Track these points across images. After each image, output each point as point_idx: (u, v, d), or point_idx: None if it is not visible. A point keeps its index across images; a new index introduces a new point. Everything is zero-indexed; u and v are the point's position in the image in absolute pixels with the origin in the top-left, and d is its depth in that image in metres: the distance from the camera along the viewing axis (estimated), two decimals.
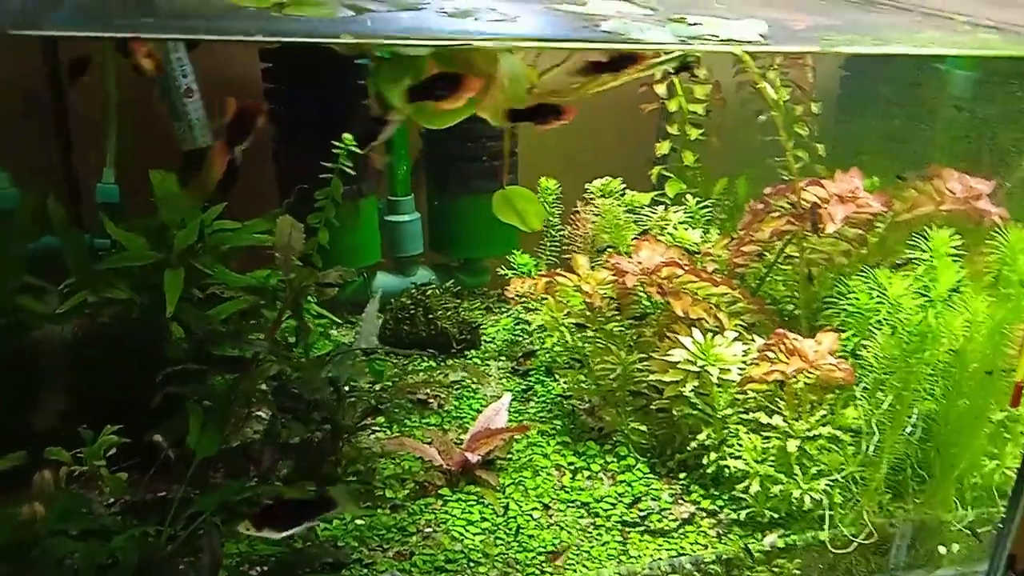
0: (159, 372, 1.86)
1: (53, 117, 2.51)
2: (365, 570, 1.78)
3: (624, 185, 2.60)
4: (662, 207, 2.56)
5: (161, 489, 1.87)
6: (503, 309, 2.88)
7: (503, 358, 2.61)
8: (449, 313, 2.63)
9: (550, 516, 1.97)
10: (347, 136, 2.31)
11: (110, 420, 1.85)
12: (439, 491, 2.01)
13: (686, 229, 2.40)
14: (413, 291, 2.66)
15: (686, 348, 1.95)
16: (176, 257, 2.05)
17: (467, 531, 1.90)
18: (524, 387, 2.46)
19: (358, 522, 1.91)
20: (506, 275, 2.67)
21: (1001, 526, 1.53)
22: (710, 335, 1.97)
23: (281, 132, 2.61)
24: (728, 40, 1.36)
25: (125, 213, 2.29)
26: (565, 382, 2.39)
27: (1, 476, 1.73)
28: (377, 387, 2.25)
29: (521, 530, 1.91)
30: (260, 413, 2.14)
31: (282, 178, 2.66)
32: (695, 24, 1.42)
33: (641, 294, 2.15)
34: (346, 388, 2.03)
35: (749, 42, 1.36)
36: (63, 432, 1.88)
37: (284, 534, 1.51)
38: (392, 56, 1.35)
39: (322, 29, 1.34)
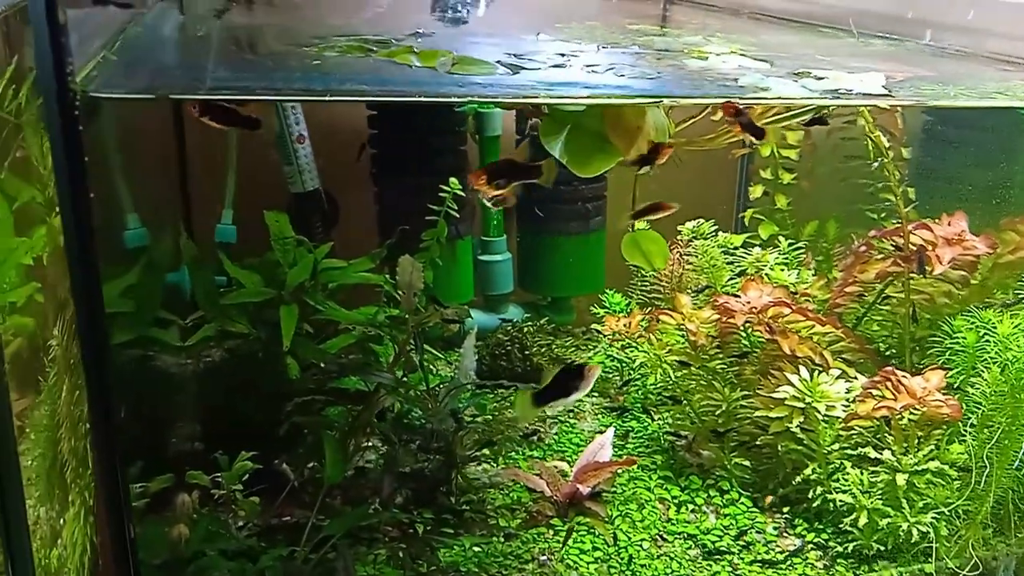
0: (277, 403, 1.96)
1: (177, 165, 2.64)
2: None
3: (716, 227, 2.67)
4: (756, 248, 2.63)
5: (284, 513, 1.97)
6: (592, 346, 2.95)
7: (595, 394, 2.68)
8: (543, 349, 2.71)
9: (659, 547, 2.03)
10: (453, 180, 2.41)
11: (231, 448, 1.93)
12: (549, 521, 2.08)
13: (782, 270, 2.47)
14: (509, 327, 2.74)
15: (793, 385, 2.01)
16: (290, 293, 2.17)
17: (581, 559, 1.97)
18: (621, 424, 2.52)
19: (475, 549, 1.98)
20: (597, 314, 2.75)
21: None
22: (816, 372, 2.04)
23: (384, 174, 2.73)
24: (868, 94, 1.43)
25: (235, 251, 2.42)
26: (661, 419, 2.45)
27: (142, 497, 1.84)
28: (479, 419, 2.34)
29: (633, 560, 1.97)
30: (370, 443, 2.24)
31: (383, 219, 2.78)
32: (823, 78, 1.50)
33: (742, 332, 2.21)
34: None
35: (888, 95, 1.44)
36: (191, 456, 1.99)
37: None
38: (551, 111, 1.45)
39: (490, 88, 1.43)
